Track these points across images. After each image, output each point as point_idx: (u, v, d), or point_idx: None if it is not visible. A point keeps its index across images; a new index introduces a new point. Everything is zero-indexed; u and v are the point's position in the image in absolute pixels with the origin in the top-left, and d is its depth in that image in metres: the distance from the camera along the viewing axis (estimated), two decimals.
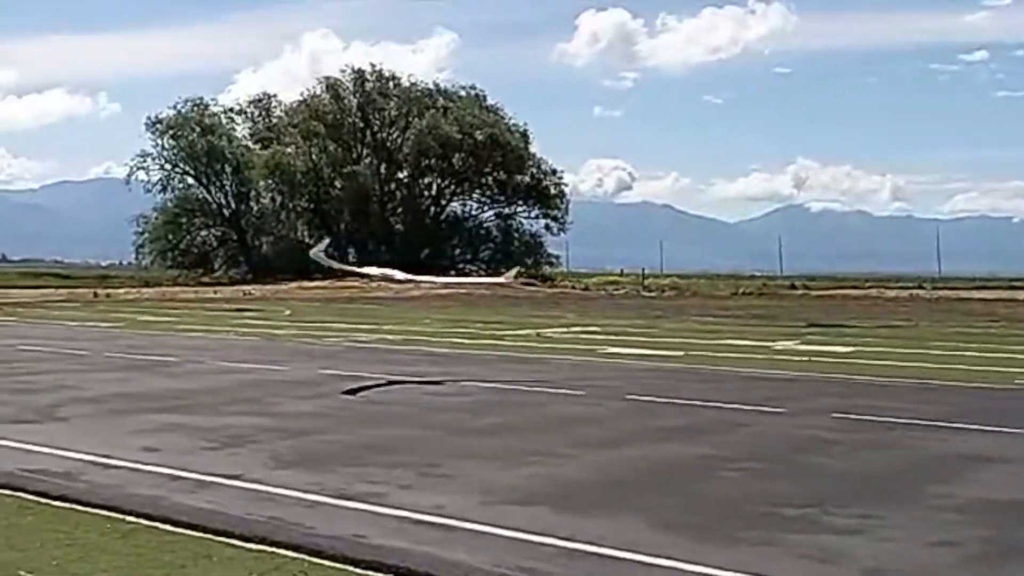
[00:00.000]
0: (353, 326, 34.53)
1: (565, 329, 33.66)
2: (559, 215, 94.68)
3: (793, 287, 72.62)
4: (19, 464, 10.74)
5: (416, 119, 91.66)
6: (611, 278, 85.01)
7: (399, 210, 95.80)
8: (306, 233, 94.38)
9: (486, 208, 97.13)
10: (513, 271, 40.36)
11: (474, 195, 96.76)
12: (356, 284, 69.16)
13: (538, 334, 31.32)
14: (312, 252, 27.69)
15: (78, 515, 8.76)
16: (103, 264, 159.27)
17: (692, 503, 9.49)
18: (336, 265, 33.29)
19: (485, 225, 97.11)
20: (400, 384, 18.48)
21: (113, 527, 8.36)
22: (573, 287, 76.16)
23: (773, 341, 28.76)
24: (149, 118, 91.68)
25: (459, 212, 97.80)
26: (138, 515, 8.66)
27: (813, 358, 23.54)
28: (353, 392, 17.23)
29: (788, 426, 14.01)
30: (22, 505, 9.10)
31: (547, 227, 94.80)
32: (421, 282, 33.13)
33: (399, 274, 27.87)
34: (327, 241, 28.68)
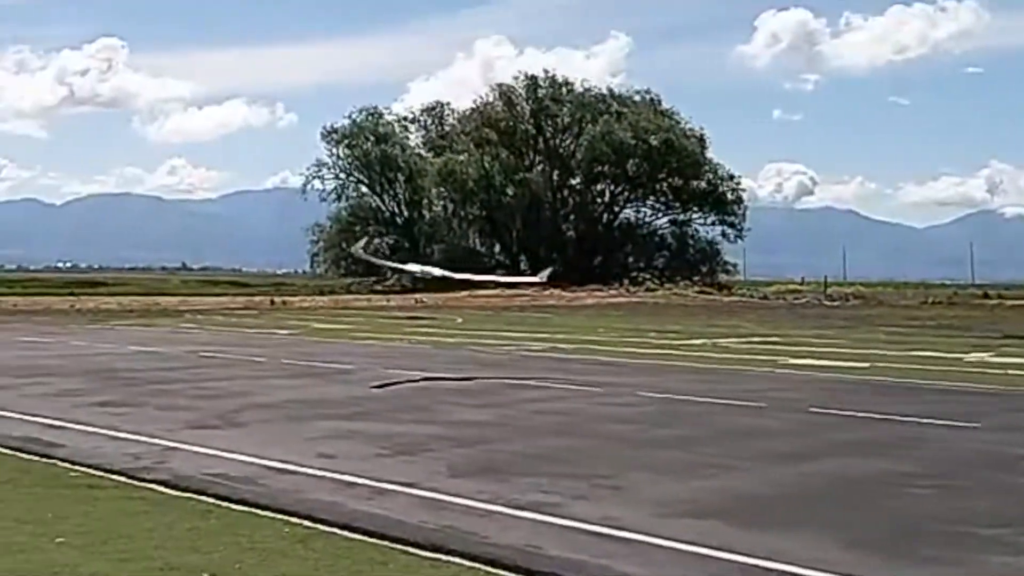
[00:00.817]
0: (525, 335, 34.81)
1: (742, 339, 33.21)
2: (736, 221, 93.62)
3: (986, 296, 70.18)
4: (201, 468, 11.19)
5: (589, 125, 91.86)
6: (791, 286, 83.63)
7: (571, 217, 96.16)
8: (478, 241, 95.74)
9: (660, 215, 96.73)
10: (547, 271, 40.46)
11: (648, 201, 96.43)
12: (527, 293, 69.69)
13: (714, 344, 30.99)
14: (352, 249, 28.54)
15: (258, 519, 9.08)
16: (279, 272, 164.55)
17: (877, 520, 9.25)
18: (377, 261, 34.11)
19: (659, 232, 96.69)
20: (571, 393, 18.54)
21: (292, 532, 8.64)
22: (751, 296, 75.16)
23: (965, 353, 27.81)
24: (324, 128, 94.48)
25: (632, 219, 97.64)
26: (316, 520, 8.93)
27: (1009, 371, 22.68)
28: (522, 401, 17.38)
29: (981, 442, 13.54)
30: (204, 508, 9.47)
31: (723, 234, 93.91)
32: (458, 279, 33.84)
33: (437, 271, 28.40)
34: (366, 239, 29.45)
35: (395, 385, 19.77)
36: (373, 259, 30.86)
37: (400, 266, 30.47)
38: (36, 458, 11.76)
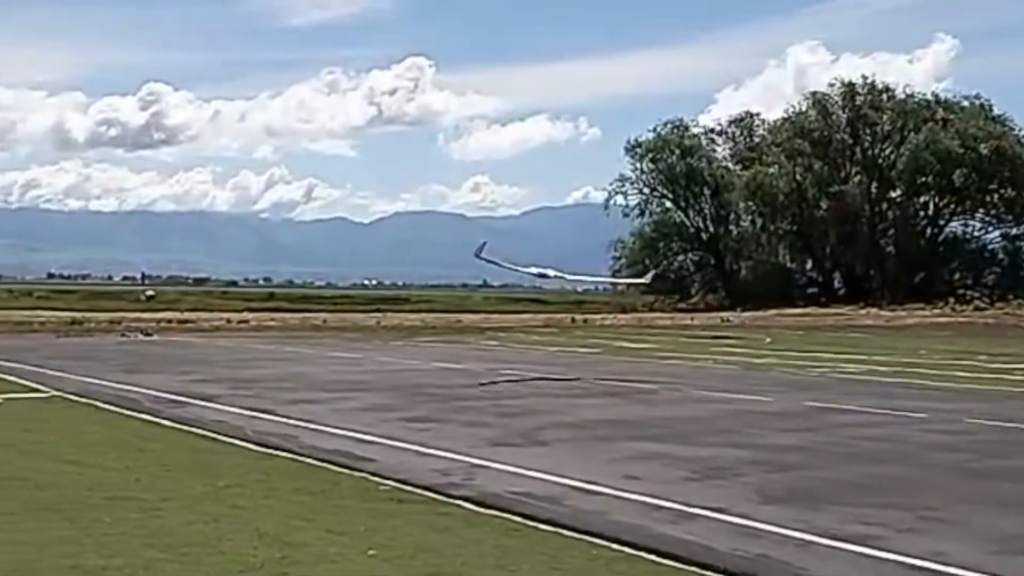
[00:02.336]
0: (839, 356, 33.90)
1: None
2: None
3: None
4: (505, 486, 11.46)
5: (912, 133, 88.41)
6: None
7: (891, 231, 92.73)
8: (788, 257, 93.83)
9: (991, 228, 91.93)
10: (651, 272, 40.41)
11: (977, 214, 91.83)
12: (842, 312, 67.89)
13: None
14: (476, 253, 29.43)
15: (563, 539, 9.22)
16: (580, 290, 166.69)
17: None
18: (500, 265, 34.33)
19: (990, 247, 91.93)
20: (892, 419, 17.90)
21: (599, 554, 8.72)
22: None
23: None
24: (629, 142, 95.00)
25: (959, 233, 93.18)
26: (622, 543, 8.98)
27: None
28: (838, 426, 16.92)
29: None
30: (510, 527, 9.70)
31: None
32: (568, 279, 35.86)
33: (551, 271, 30.07)
34: (485, 243, 30.06)
35: (695, 404, 19.67)
36: (495, 262, 31.93)
37: (519, 268, 31.89)
38: (347, 471, 12.36)
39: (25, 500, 10.45)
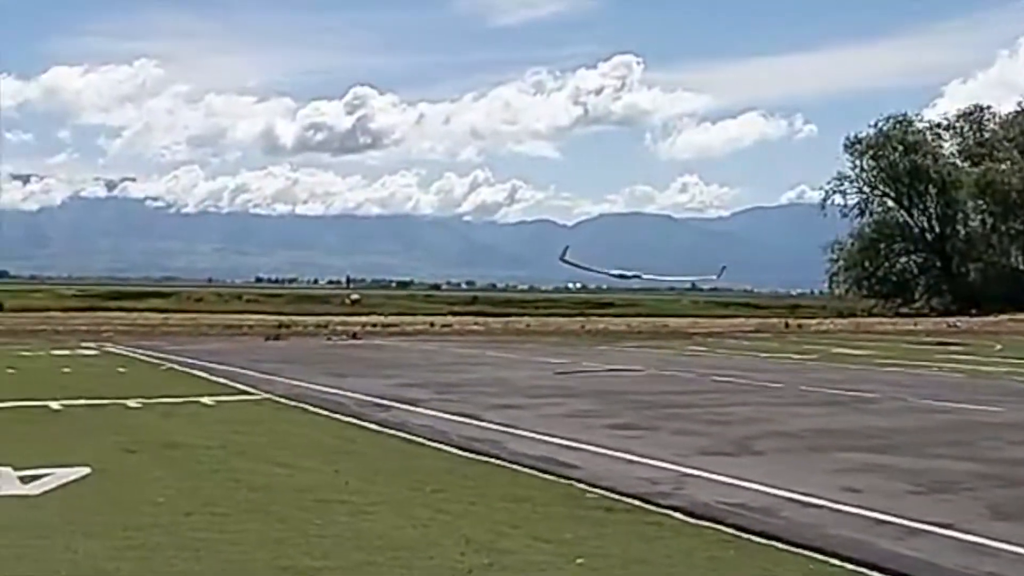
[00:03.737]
0: None
1: None
2: None
3: None
4: (717, 496, 11.40)
5: None
6: None
7: None
8: (1020, 259, 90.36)
9: None
10: (722, 267, 40.03)
11: None
12: None
13: None
14: (561, 258, 29.45)
15: (777, 553, 9.13)
16: (793, 293, 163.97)
17: None
18: (584, 268, 34.03)
19: None
20: None
21: (816, 569, 8.61)
22: None
23: None
24: (848, 138, 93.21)
25: None
26: (841, 559, 8.83)
27: None
28: None
29: None
30: (722, 538, 9.64)
31: None
32: (645, 279, 36.43)
33: (629, 272, 31.50)
34: (568, 247, 30.12)
35: (918, 414, 19.14)
36: (581, 265, 32.19)
37: (603, 271, 32.30)
38: (553, 478, 12.48)
39: (239, 501, 10.93)
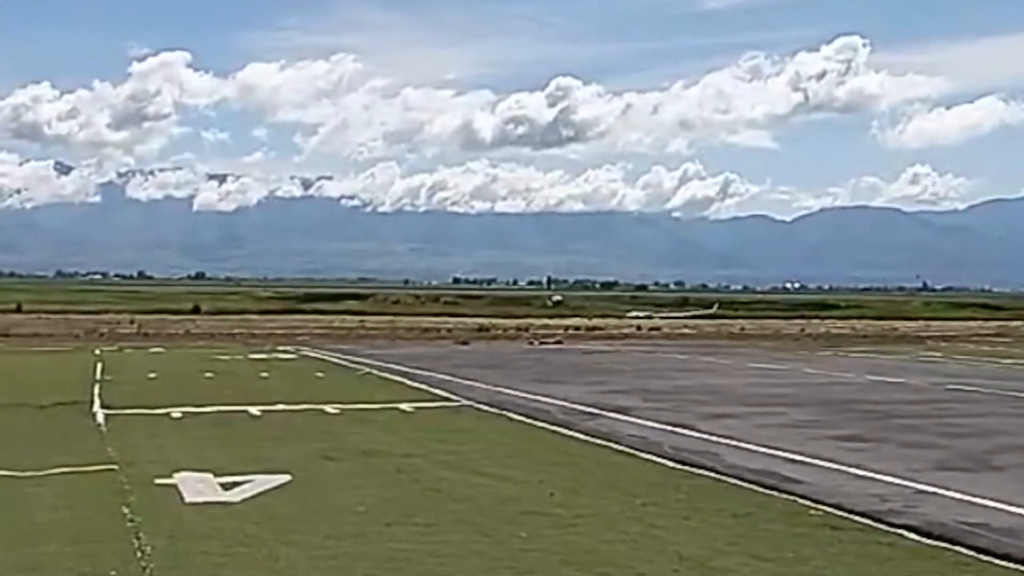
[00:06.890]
0: None
1: None
2: None
3: None
4: (955, 515, 11.09)
5: None
6: None
7: None
8: None
9: None
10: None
11: None
12: None
13: None
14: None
15: None
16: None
17: None
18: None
19: None
20: None
21: None
22: None
23: None
24: None
25: None
26: None
27: None
28: None
29: None
30: (960, 561, 9.39)
31: None
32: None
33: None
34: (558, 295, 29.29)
35: None
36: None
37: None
38: (773, 493, 12.34)
39: (441, 512, 11.14)
